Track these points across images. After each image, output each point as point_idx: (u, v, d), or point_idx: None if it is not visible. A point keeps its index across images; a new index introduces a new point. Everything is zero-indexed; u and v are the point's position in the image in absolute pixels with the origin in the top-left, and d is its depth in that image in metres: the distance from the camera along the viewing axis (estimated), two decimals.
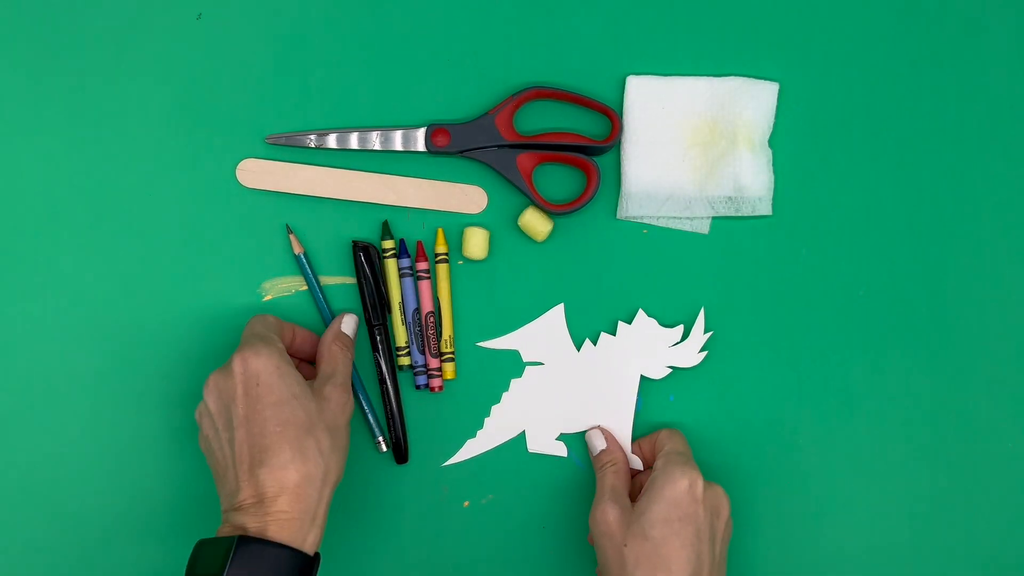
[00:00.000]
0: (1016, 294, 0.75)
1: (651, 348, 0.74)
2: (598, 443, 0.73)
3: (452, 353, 0.74)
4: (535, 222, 0.73)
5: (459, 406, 0.75)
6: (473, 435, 0.74)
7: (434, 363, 0.74)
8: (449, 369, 0.74)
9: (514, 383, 0.74)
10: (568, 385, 0.74)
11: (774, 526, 0.74)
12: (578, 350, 0.74)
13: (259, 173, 0.74)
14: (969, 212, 0.75)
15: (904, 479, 0.75)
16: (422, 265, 0.74)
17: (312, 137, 0.74)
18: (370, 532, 0.75)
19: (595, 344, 0.74)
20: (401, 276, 0.74)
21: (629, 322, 0.74)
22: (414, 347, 0.74)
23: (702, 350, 0.74)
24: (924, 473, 0.75)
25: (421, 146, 0.73)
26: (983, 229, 0.75)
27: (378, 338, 0.73)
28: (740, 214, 0.74)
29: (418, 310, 0.74)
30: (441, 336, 0.74)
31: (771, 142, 0.74)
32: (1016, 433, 0.74)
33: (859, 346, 0.75)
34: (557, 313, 0.74)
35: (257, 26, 0.75)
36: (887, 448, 0.75)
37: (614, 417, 0.74)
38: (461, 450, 0.75)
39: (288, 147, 0.74)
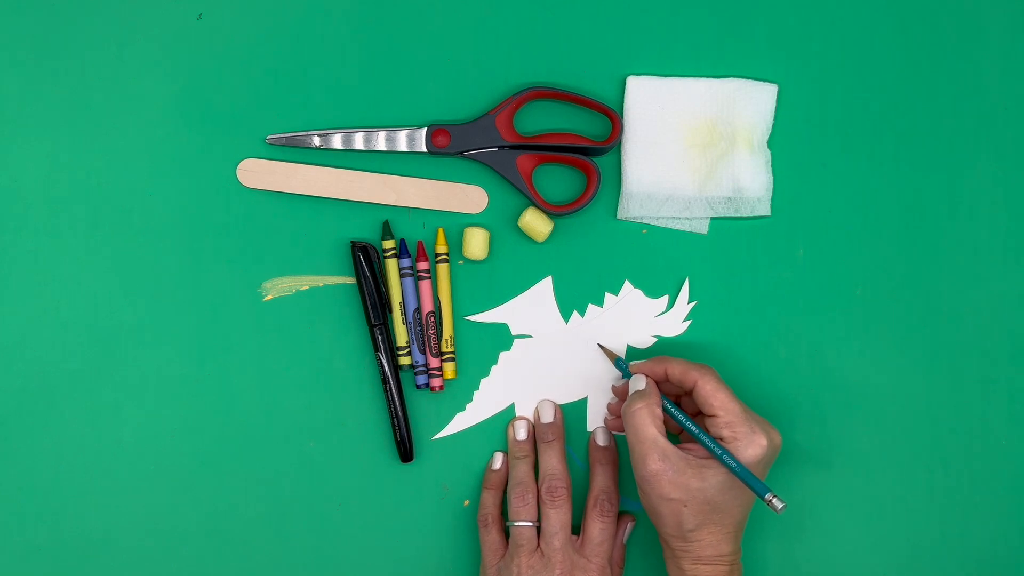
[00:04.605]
0: (1011, 294, 0.75)
1: (637, 318, 0.74)
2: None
3: (452, 353, 0.74)
4: (535, 222, 0.73)
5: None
6: (463, 408, 0.75)
7: (434, 363, 0.74)
8: (449, 369, 0.74)
9: (503, 356, 0.75)
10: (556, 356, 0.75)
11: (769, 523, 0.75)
12: (566, 322, 0.75)
13: (259, 173, 0.74)
14: (965, 213, 0.75)
15: (900, 476, 0.75)
16: (422, 265, 0.74)
17: (313, 137, 0.74)
18: (370, 532, 0.75)
19: (582, 316, 0.75)
20: (402, 276, 0.74)
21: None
22: (414, 347, 0.74)
23: (686, 319, 0.74)
24: (920, 470, 0.75)
25: (422, 146, 0.73)
26: (979, 229, 0.75)
27: (379, 338, 0.73)
28: (739, 214, 0.74)
29: (419, 310, 0.74)
30: (441, 336, 0.74)
31: (770, 143, 0.75)
32: (1010, 430, 0.75)
33: (856, 345, 0.75)
34: (545, 285, 0.75)
35: (257, 26, 0.75)
36: (883, 446, 0.75)
37: (601, 387, 0.75)
38: (451, 423, 0.75)
39: (288, 147, 0.74)
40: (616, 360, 0.73)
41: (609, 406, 0.75)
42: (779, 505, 0.64)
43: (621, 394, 0.74)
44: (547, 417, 0.74)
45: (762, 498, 0.64)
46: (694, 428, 0.67)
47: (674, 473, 0.65)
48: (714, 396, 0.67)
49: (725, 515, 0.66)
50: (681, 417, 0.68)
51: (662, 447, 0.66)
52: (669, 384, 0.70)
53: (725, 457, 0.65)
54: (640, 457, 0.66)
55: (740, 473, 0.65)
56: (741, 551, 0.68)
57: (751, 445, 0.65)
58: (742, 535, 0.68)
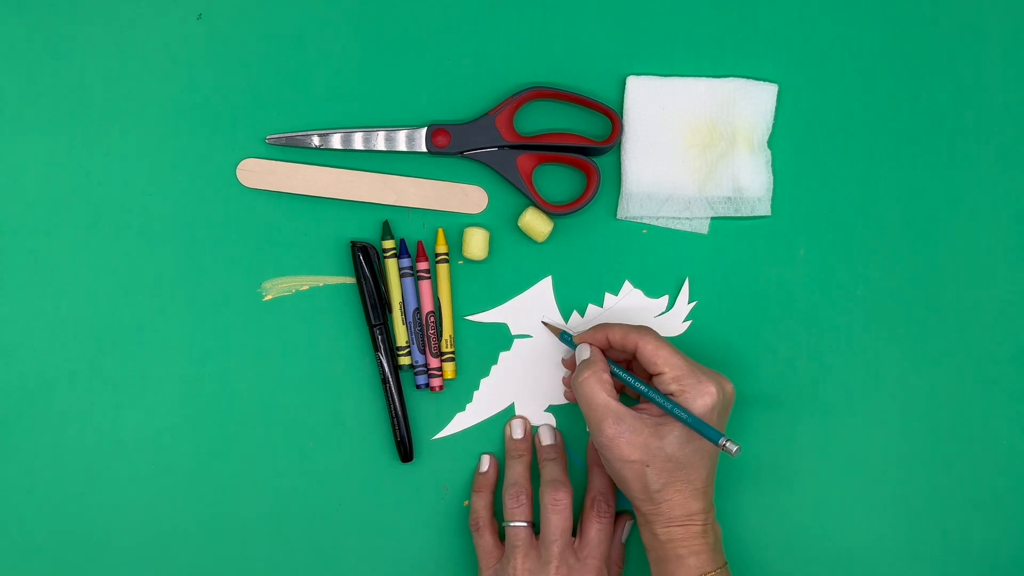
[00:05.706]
0: (1012, 293, 0.75)
1: (637, 318, 0.74)
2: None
3: (452, 353, 0.74)
4: (535, 222, 0.73)
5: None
6: (463, 408, 0.75)
7: (434, 363, 0.74)
8: (449, 369, 0.74)
9: (503, 356, 0.75)
10: (556, 356, 0.75)
11: (768, 522, 0.75)
12: (566, 322, 0.75)
13: (259, 173, 0.74)
14: (965, 212, 0.75)
15: (900, 476, 0.75)
16: (422, 265, 0.74)
17: (313, 137, 0.74)
18: (370, 532, 0.75)
19: (582, 316, 0.75)
20: (401, 276, 0.74)
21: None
22: (414, 347, 0.74)
23: (686, 319, 0.74)
24: (920, 470, 0.75)
25: (422, 146, 0.73)
26: (979, 229, 0.75)
27: (379, 338, 0.73)
28: (739, 214, 0.74)
29: (418, 310, 0.74)
30: (441, 336, 0.74)
31: (770, 143, 0.75)
32: (1011, 430, 0.75)
33: (857, 344, 0.75)
34: (545, 285, 0.75)
35: (257, 26, 0.75)
36: (884, 445, 0.75)
37: None
38: (451, 423, 0.75)
39: (288, 147, 0.74)
40: (560, 334, 0.73)
41: (564, 380, 0.75)
42: (733, 448, 0.63)
43: (571, 366, 0.74)
44: (547, 440, 0.74)
45: (716, 443, 0.64)
46: (642, 387, 0.67)
47: (631, 434, 0.65)
48: (656, 354, 0.67)
49: (690, 471, 0.66)
50: (629, 378, 0.68)
51: (615, 410, 0.66)
52: (614, 351, 0.70)
53: (676, 410, 0.65)
54: (595, 424, 0.66)
55: (691, 423, 0.64)
56: (714, 508, 0.68)
57: (700, 395, 0.65)
58: (712, 492, 0.67)
